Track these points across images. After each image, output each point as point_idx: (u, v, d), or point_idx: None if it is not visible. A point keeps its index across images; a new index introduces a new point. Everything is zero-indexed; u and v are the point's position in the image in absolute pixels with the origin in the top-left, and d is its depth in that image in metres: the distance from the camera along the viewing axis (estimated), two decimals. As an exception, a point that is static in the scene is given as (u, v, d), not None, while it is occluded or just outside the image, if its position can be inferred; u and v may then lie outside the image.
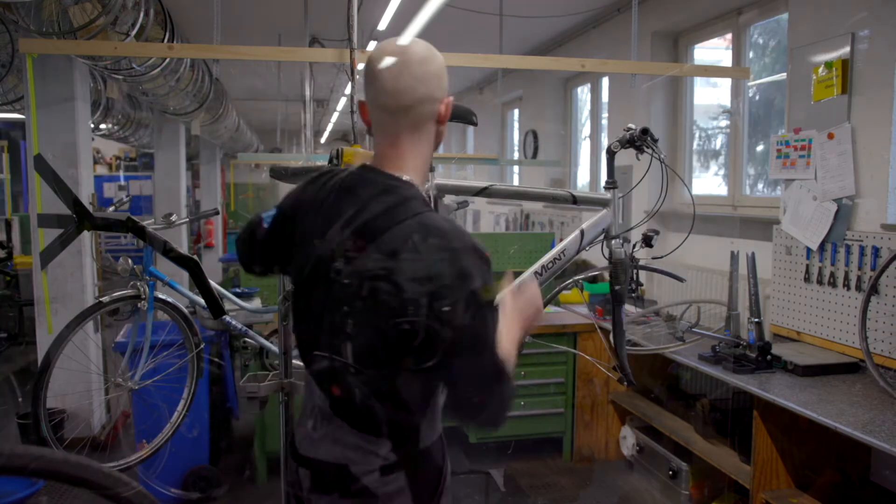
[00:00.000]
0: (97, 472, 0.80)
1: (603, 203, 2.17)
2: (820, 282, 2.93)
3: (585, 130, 5.87)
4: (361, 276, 1.20)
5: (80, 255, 3.93)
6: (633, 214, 4.01)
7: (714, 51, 4.24)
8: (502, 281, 1.38)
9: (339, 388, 1.28)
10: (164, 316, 2.61)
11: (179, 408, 2.62)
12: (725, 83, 4.02)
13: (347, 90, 6.72)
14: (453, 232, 1.23)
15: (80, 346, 2.70)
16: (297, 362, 2.26)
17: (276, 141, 9.99)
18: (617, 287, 2.12)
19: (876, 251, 2.67)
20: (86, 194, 3.98)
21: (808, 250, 2.98)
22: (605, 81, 5.16)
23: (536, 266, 2.13)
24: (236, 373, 3.77)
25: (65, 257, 3.69)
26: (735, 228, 3.54)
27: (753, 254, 2.96)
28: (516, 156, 7.03)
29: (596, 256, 2.46)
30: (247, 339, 2.83)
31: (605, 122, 5.27)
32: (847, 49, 2.78)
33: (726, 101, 4.03)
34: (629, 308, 3.52)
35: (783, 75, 3.30)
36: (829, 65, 2.84)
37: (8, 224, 6.18)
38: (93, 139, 4.73)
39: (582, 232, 2.15)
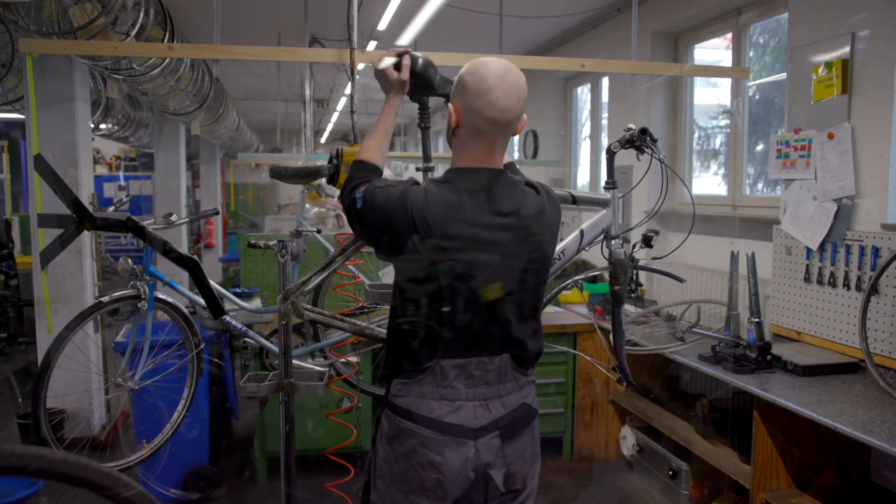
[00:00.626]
0: (97, 472, 0.80)
1: (603, 203, 2.17)
2: (820, 282, 2.93)
3: (585, 130, 5.87)
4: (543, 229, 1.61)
5: (80, 255, 3.93)
6: (633, 214, 4.01)
7: (714, 51, 4.24)
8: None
9: (525, 336, 1.59)
10: (164, 316, 2.61)
11: (179, 408, 2.61)
12: (725, 83, 4.02)
13: (347, 90, 6.72)
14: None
15: (80, 346, 2.70)
16: (297, 362, 2.27)
17: (276, 141, 10.00)
18: (616, 287, 2.12)
19: (876, 251, 2.67)
20: (86, 194, 3.98)
21: (808, 250, 2.98)
22: (605, 81, 5.16)
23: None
24: (236, 373, 3.78)
25: (65, 257, 3.70)
26: (735, 228, 3.54)
27: (753, 254, 2.96)
28: (516, 156, 7.03)
29: (596, 256, 2.46)
30: (247, 339, 2.83)
31: (605, 122, 5.27)
32: (847, 49, 2.78)
33: (726, 100, 4.03)
34: (629, 308, 3.52)
35: (783, 75, 3.30)
36: (829, 65, 2.84)
37: (8, 224, 6.18)
38: (93, 139, 4.72)
39: (582, 232, 2.15)
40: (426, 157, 1.96)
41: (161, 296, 2.53)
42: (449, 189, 1.54)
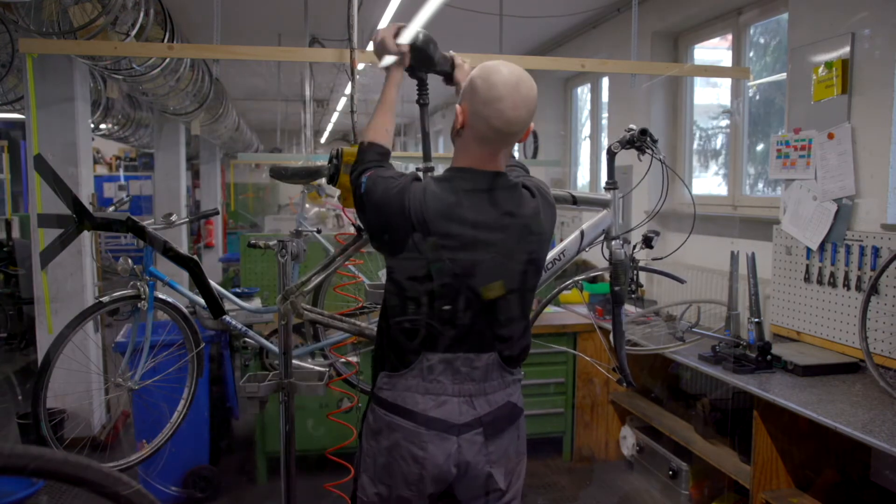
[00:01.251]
0: (97, 472, 0.80)
1: (603, 203, 2.17)
2: (820, 282, 2.93)
3: (585, 130, 5.87)
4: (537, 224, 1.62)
5: (80, 255, 3.93)
6: (634, 215, 4.01)
7: (714, 51, 4.24)
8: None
9: (514, 336, 1.62)
10: (164, 316, 2.61)
11: (179, 408, 2.61)
12: (725, 83, 4.02)
13: (347, 90, 6.72)
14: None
15: (80, 346, 2.70)
16: (297, 362, 2.27)
17: (276, 141, 9.99)
18: (617, 288, 2.12)
19: (876, 251, 2.67)
20: (86, 194, 3.98)
21: (808, 250, 2.98)
22: (605, 81, 5.16)
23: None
24: (236, 373, 3.77)
25: (65, 257, 3.69)
26: (735, 228, 3.54)
27: (753, 254, 2.96)
28: (516, 156, 7.02)
29: (596, 257, 2.46)
30: (247, 339, 2.83)
31: (605, 122, 5.27)
32: (847, 49, 2.78)
33: (726, 101, 4.03)
34: (629, 308, 3.52)
35: (783, 75, 3.30)
36: (829, 65, 2.84)
37: (8, 224, 6.18)
38: (93, 139, 4.72)
39: (582, 232, 2.15)
40: (424, 134, 1.94)
41: (161, 296, 2.53)
42: (448, 188, 1.55)
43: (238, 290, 3.53)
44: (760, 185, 3.79)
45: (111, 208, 3.22)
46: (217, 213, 3.34)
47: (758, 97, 3.83)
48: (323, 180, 2.52)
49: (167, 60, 4.04)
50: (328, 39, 4.93)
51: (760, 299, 2.93)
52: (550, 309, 3.99)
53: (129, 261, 2.57)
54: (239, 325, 2.71)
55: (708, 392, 3.42)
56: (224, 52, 2.80)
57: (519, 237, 1.58)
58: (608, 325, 2.28)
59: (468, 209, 1.54)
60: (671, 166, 2.47)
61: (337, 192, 2.01)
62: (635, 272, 2.20)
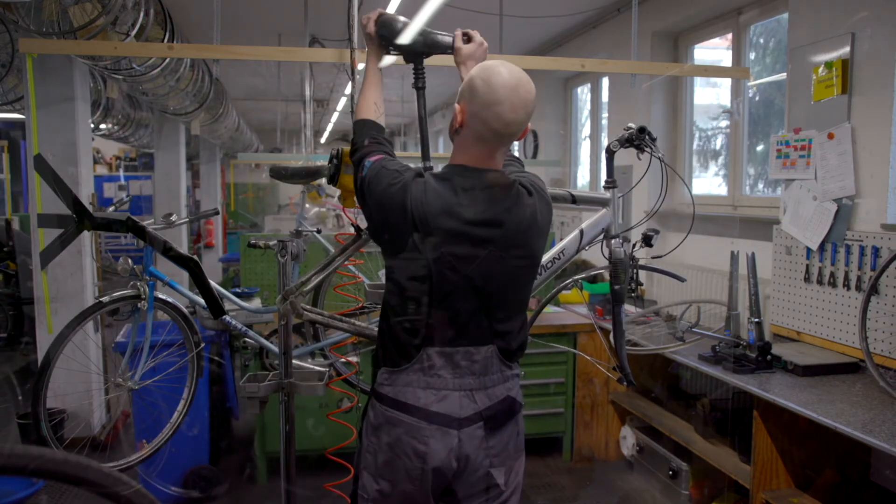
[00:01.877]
0: (97, 472, 0.80)
1: (602, 203, 2.17)
2: (820, 282, 2.93)
3: (585, 130, 5.87)
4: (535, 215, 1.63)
5: (80, 255, 3.93)
6: (633, 214, 4.01)
7: (714, 51, 4.24)
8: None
9: (512, 330, 1.63)
10: (164, 316, 2.61)
11: (179, 408, 2.61)
12: (725, 83, 4.02)
13: (347, 90, 6.72)
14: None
15: (80, 346, 2.69)
16: (297, 362, 2.27)
17: (276, 141, 10.01)
18: (617, 287, 2.12)
19: (876, 251, 2.67)
20: (86, 194, 3.98)
21: (808, 250, 2.98)
22: (605, 81, 5.16)
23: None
24: (236, 373, 3.77)
25: (65, 257, 3.69)
26: (735, 228, 3.54)
27: (753, 254, 2.96)
28: (516, 155, 7.02)
29: (596, 256, 2.45)
30: (247, 339, 2.83)
31: (605, 121, 5.27)
32: (847, 49, 2.78)
33: (726, 101, 4.03)
34: (629, 308, 3.52)
35: (783, 75, 3.30)
36: (829, 65, 2.84)
37: (8, 224, 6.18)
38: (93, 139, 4.72)
39: (581, 231, 2.15)
40: (421, 120, 1.94)
41: (161, 296, 2.53)
42: (447, 186, 1.57)
43: (238, 290, 3.52)
44: (760, 186, 3.79)
45: (111, 208, 3.22)
46: (217, 213, 3.34)
47: (758, 97, 3.83)
48: (323, 180, 2.52)
49: (167, 60, 4.03)
50: (328, 39, 4.93)
51: (760, 299, 2.93)
52: (550, 308, 3.99)
53: (129, 261, 2.57)
54: (239, 325, 2.71)
55: (708, 392, 3.42)
56: (224, 52, 2.80)
57: (516, 233, 1.60)
58: (608, 325, 2.28)
59: (467, 206, 1.56)
60: (671, 166, 2.47)
61: (337, 192, 2.01)
62: (635, 271, 2.20)
